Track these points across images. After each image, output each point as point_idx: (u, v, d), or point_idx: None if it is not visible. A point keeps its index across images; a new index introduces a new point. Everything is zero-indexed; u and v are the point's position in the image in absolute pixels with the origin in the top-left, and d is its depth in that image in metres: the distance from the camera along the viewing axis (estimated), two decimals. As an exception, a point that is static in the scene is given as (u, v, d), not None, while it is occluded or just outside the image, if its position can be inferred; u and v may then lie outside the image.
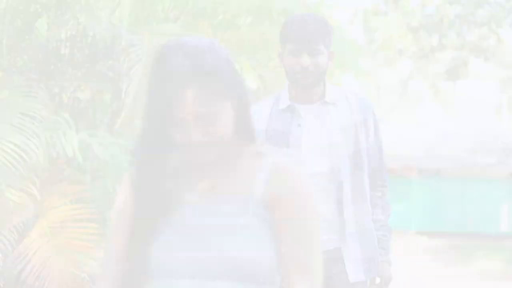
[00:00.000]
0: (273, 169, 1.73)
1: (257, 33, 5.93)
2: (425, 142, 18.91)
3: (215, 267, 1.67)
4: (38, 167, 5.00)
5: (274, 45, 5.82)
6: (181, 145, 1.71)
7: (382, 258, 3.21)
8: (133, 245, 1.75)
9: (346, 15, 15.35)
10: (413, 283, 10.59)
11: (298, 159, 1.85)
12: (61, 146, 5.34)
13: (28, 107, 5.04)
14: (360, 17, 16.00)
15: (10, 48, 5.89)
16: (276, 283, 1.77)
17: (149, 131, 1.70)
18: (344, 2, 19.23)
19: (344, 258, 3.09)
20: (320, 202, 2.77)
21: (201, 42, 1.70)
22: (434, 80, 19.17)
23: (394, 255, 3.39)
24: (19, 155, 4.63)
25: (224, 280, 1.67)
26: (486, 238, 16.82)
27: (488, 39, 15.29)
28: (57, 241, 5.27)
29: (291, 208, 1.71)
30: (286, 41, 3.08)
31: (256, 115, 2.91)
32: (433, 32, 14.88)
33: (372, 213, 3.22)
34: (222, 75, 1.67)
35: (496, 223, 17.05)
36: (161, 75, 1.65)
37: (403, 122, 22.32)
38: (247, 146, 1.79)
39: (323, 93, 3.14)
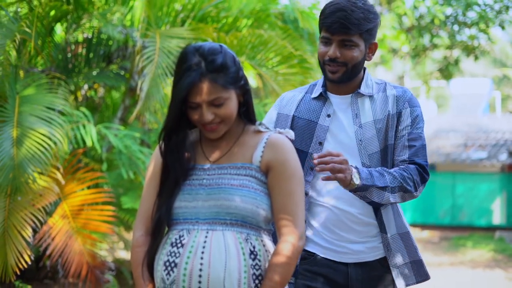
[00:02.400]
0: (267, 143, 2.31)
1: (257, 35, 6.27)
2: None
3: (223, 216, 2.25)
4: (62, 156, 5.54)
5: (272, 46, 6.34)
6: (197, 124, 2.31)
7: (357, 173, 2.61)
8: (161, 199, 2.34)
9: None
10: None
11: (287, 135, 2.36)
12: (80, 137, 5.92)
13: (52, 102, 5.56)
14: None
15: (32, 49, 6.41)
16: (270, 230, 2.36)
17: (174, 113, 2.28)
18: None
19: (390, 266, 2.79)
20: (353, 200, 2.73)
21: (212, 46, 2.29)
22: (427, 78, 19.57)
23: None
24: (47, 144, 5.15)
25: (230, 226, 2.24)
26: (476, 230, 17.19)
27: (479, 39, 15.66)
28: (77, 222, 5.81)
29: (279, 172, 2.29)
30: (321, 28, 2.76)
31: (285, 100, 2.89)
32: (425, 33, 15.28)
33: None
34: (228, 71, 2.26)
35: (486, 216, 17.34)
36: (182, 71, 2.25)
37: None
38: (249, 126, 2.39)
39: (359, 85, 2.80)
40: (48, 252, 5.64)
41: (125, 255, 8.85)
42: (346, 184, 2.57)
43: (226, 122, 2.29)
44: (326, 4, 2.76)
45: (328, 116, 2.79)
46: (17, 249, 5.13)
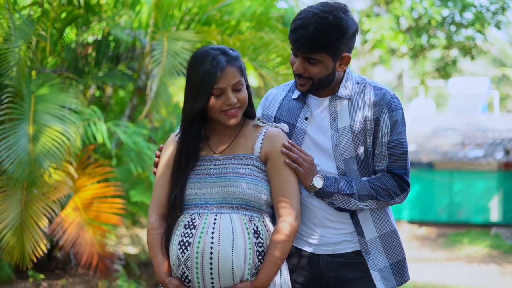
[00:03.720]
0: (265, 135, 2.65)
1: (258, 38, 6.57)
2: (418, 137, 19.58)
3: (229, 200, 2.57)
4: (74, 151, 5.86)
5: (272, 48, 6.64)
6: (218, 112, 2.57)
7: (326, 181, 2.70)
8: (174, 188, 2.65)
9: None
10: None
11: (283, 129, 2.70)
12: (92, 134, 6.24)
13: (65, 101, 5.88)
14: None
15: (44, 50, 6.73)
16: (269, 212, 2.69)
17: (203, 100, 2.54)
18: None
19: (370, 269, 2.76)
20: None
21: (223, 46, 2.66)
22: (425, 78, 19.86)
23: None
24: (61, 140, 5.48)
25: (235, 209, 2.57)
26: (473, 227, 17.46)
27: (475, 39, 15.94)
28: (88, 214, 6.14)
29: (276, 160, 2.63)
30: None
31: (269, 100, 2.90)
32: (422, 33, 15.57)
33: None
34: (240, 62, 2.62)
35: (482, 213, 17.59)
36: (207, 62, 2.55)
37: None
38: (248, 121, 2.72)
39: (338, 86, 2.75)
40: (61, 243, 5.96)
41: (131, 250, 9.17)
42: (307, 185, 2.68)
43: (243, 107, 2.62)
44: (296, 15, 2.68)
45: (306, 119, 2.77)
46: (33, 239, 5.46)
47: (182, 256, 2.53)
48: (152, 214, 2.70)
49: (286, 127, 2.70)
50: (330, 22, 2.58)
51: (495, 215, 17.63)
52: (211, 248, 2.49)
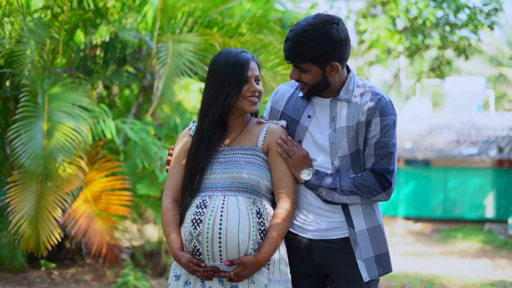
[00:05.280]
0: (267, 130, 3.02)
1: (257, 39, 6.91)
2: (414, 135, 19.90)
3: (235, 185, 2.94)
4: (85, 147, 6.21)
5: (271, 49, 6.96)
6: (242, 100, 2.94)
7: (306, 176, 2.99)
8: (188, 173, 3.01)
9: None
10: (397, 260, 11.33)
11: (282, 125, 3.06)
12: (101, 131, 6.59)
13: (76, 99, 6.23)
14: (351, 20, 16.99)
15: (54, 51, 7.05)
16: (270, 197, 3.06)
17: (238, 88, 2.93)
18: (336, 7, 20.22)
19: (356, 259, 3.00)
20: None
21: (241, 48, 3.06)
22: (421, 77, 20.17)
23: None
24: (74, 136, 5.82)
25: (241, 192, 2.94)
26: (467, 223, 17.76)
27: (469, 39, 16.26)
28: (97, 206, 6.49)
29: (276, 152, 3.00)
30: None
31: (278, 95, 3.17)
32: (418, 34, 15.90)
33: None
34: (257, 60, 3.03)
35: (476, 209, 17.85)
36: (233, 58, 2.93)
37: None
38: (252, 118, 3.10)
39: (339, 89, 2.99)
40: (72, 233, 6.31)
41: (136, 241, 9.49)
42: (295, 176, 2.99)
43: (260, 98, 3.02)
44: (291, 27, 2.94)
45: (309, 117, 3.02)
46: (48, 228, 5.81)
47: (194, 232, 2.88)
48: (166, 198, 3.06)
49: (284, 123, 3.07)
50: (312, 35, 2.83)
51: (488, 211, 17.92)
52: (220, 224, 2.85)
